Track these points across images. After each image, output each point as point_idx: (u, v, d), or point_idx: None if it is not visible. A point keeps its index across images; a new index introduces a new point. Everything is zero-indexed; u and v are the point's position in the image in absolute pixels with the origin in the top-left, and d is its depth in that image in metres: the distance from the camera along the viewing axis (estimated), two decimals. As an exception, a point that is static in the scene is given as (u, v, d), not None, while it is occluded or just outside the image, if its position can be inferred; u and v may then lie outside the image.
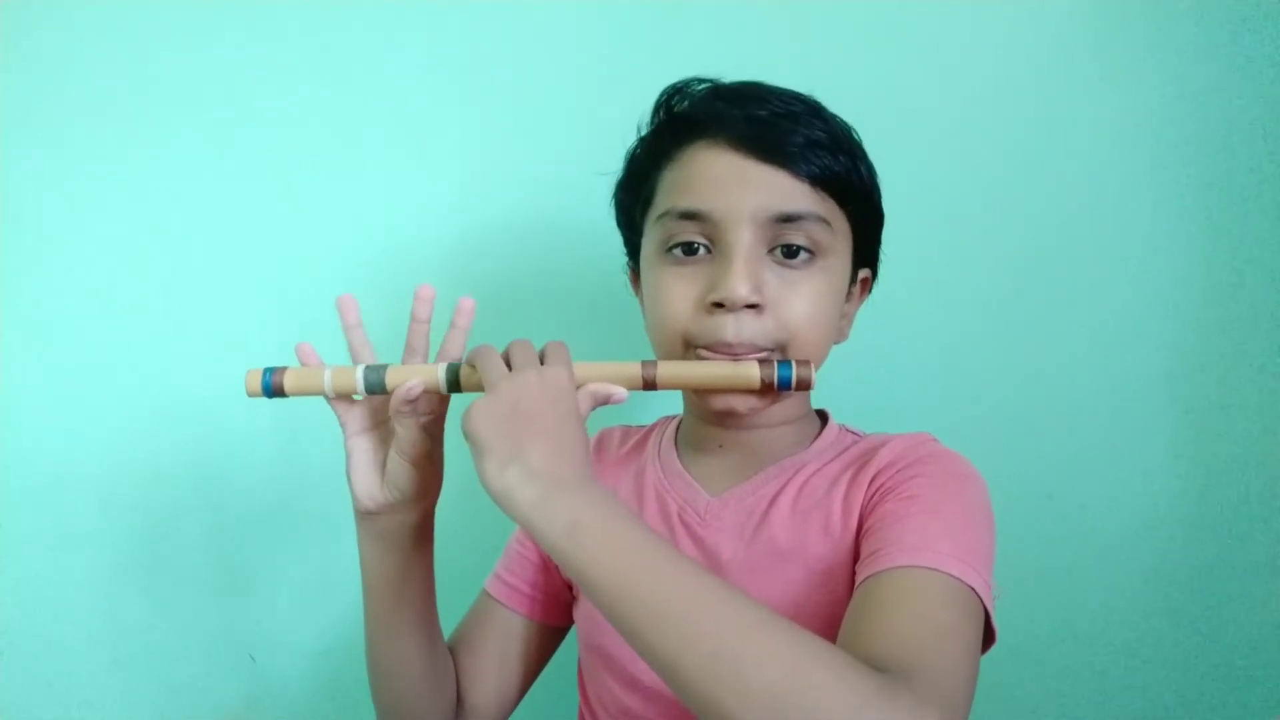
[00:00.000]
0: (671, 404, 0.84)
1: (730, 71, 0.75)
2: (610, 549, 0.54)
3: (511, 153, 1.08)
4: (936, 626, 0.57)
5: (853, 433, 0.79)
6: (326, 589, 1.12)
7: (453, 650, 0.81)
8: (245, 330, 1.08)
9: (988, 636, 0.62)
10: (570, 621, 0.86)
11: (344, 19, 1.07)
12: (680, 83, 0.76)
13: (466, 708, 0.80)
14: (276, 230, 1.09)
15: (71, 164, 1.07)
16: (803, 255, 0.69)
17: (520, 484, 0.57)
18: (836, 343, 0.76)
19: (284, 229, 1.09)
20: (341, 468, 0.71)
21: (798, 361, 0.68)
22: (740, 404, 0.70)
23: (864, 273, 0.78)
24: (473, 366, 0.66)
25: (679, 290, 0.70)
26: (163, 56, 1.07)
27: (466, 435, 0.60)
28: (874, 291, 0.81)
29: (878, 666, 0.52)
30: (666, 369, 0.68)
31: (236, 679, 1.13)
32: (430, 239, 1.09)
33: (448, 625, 0.80)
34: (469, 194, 1.09)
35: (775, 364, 0.67)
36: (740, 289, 0.66)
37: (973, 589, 0.60)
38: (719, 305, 0.68)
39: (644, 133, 0.78)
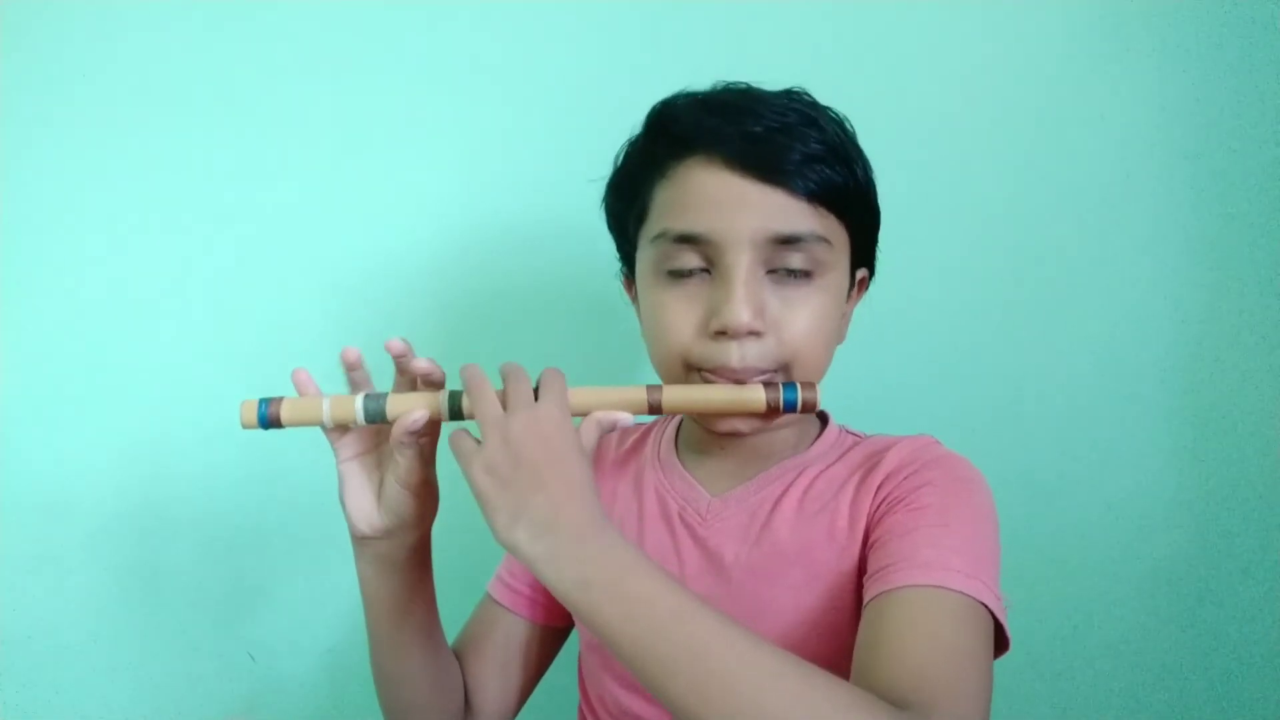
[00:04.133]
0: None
1: (725, 72, 0.73)
2: (624, 608, 0.54)
3: (505, 158, 1.07)
4: (954, 653, 0.58)
5: (853, 434, 0.79)
6: (327, 589, 1.12)
7: (457, 654, 0.81)
8: (240, 340, 1.07)
9: (1000, 644, 0.63)
10: (573, 622, 0.86)
11: (337, 25, 1.05)
12: (671, 97, 0.74)
13: (473, 711, 0.81)
14: (269, 239, 1.07)
15: (61, 176, 1.05)
16: (802, 274, 0.68)
17: (528, 541, 0.57)
18: (836, 344, 0.75)
19: (274, 239, 1.07)
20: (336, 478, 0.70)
21: (803, 384, 0.67)
22: (744, 425, 0.70)
23: (861, 273, 0.77)
24: None
25: (678, 313, 0.69)
26: (155, 61, 1.04)
27: (472, 491, 0.60)
28: (875, 292, 0.80)
29: (897, 700, 0.52)
30: (671, 394, 0.67)
31: (236, 679, 1.13)
32: (423, 245, 1.08)
33: (450, 627, 0.80)
34: (462, 199, 1.07)
35: (781, 387, 0.67)
36: (743, 316, 0.65)
37: (984, 605, 0.61)
38: (722, 332, 0.66)
39: (633, 141, 0.76)
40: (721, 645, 0.52)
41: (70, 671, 1.10)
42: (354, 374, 0.68)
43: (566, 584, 0.55)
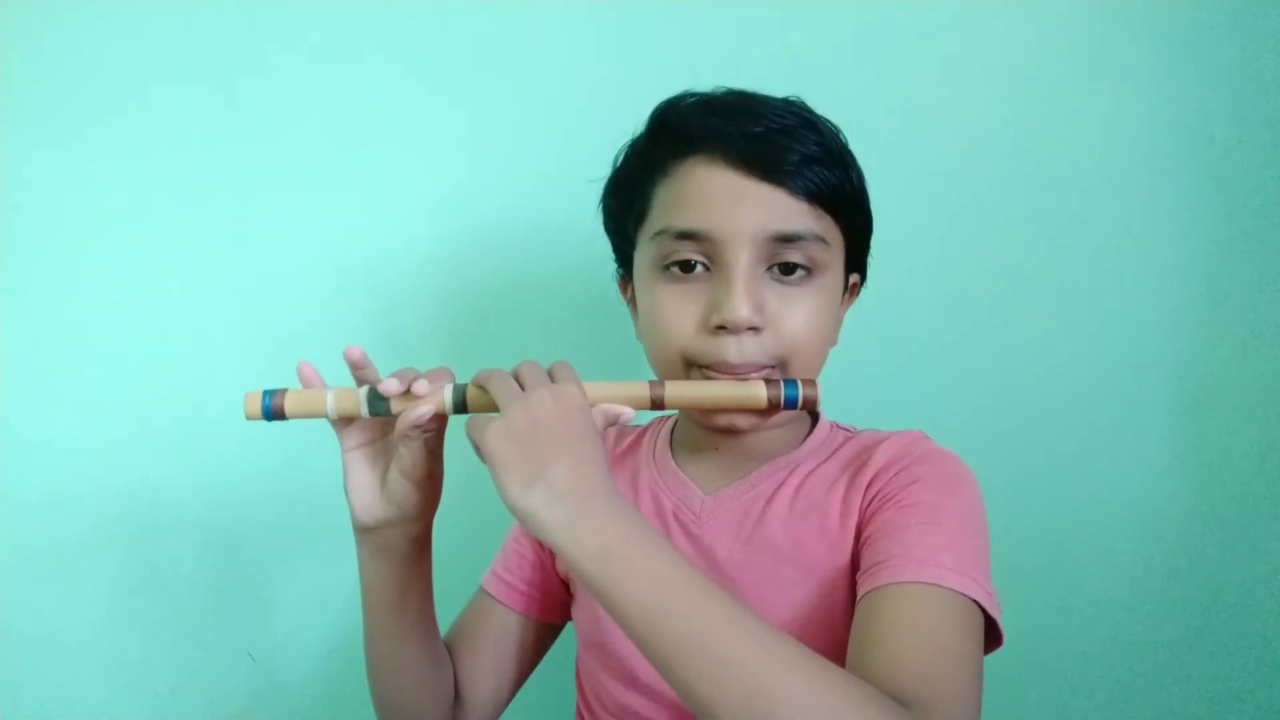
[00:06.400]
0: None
1: (720, 75, 0.75)
2: (642, 580, 0.54)
3: (502, 158, 1.07)
4: (948, 651, 0.59)
5: (844, 429, 0.80)
6: (328, 588, 1.11)
7: (449, 646, 0.82)
8: (241, 336, 1.07)
9: (993, 638, 0.64)
10: (566, 619, 0.87)
11: (336, 25, 1.05)
12: (675, 97, 0.75)
13: (464, 703, 0.81)
14: (269, 237, 1.08)
15: (63, 172, 1.05)
16: (800, 272, 0.70)
17: (546, 505, 0.57)
18: (830, 346, 0.76)
19: (276, 235, 1.08)
20: (340, 473, 0.70)
21: (804, 381, 0.68)
22: (743, 421, 0.71)
23: (854, 277, 0.78)
24: (481, 388, 0.65)
25: (678, 309, 0.70)
26: (153, 59, 1.04)
27: (484, 455, 0.59)
28: (873, 291, 0.82)
29: (895, 695, 0.53)
30: (674, 389, 0.68)
31: (236, 679, 1.13)
32: (421, 245, 1.08)
33: (443, 620, 0.81)
34: (460, 199, 1.08)
35: (782, 384, 0.68)
36: (743, 311, 0.66)
37: (975, 601, 0.62)
38: (721, 327, 0.68)
39: (634, 141, 0.77)
40: (738, 630, 0.53)
41: (69, 670, 1.09)
42: (359, 372, 0.68)
43: (584, 553, 0.55)
